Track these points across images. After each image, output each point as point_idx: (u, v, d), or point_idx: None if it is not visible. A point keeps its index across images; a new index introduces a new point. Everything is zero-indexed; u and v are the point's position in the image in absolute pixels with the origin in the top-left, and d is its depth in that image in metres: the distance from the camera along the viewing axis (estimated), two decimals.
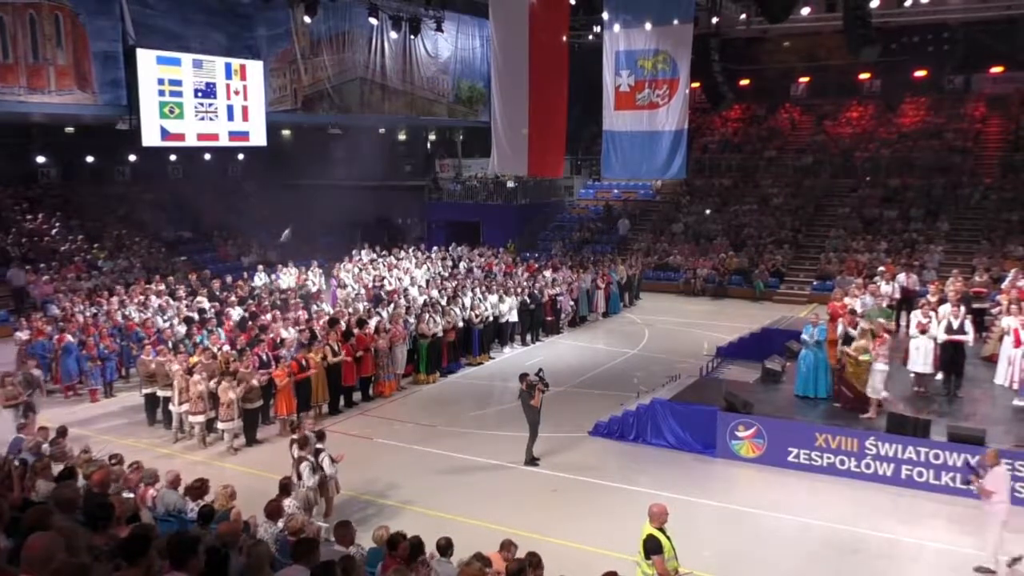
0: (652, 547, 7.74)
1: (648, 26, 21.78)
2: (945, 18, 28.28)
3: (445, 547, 7.81)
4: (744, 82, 38.15)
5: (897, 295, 19.19)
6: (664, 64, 21.74)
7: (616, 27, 22.49)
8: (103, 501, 6.51)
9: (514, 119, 22.91)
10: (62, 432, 11.29)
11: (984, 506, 10.06)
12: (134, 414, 16.37)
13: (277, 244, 32.61)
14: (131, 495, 8.69)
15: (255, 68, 25.80)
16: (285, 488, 9.75)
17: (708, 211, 33.89)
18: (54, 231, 28.08)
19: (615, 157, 23.11)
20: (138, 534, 5.35)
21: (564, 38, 22.97)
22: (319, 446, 11.18)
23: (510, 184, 35.01)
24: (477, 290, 21.85)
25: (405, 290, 22.83)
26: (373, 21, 27.93)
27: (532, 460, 13.69)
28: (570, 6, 23.90)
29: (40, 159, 31.65)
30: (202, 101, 24.44)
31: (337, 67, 28.37)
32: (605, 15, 23.04)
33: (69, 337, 17.74)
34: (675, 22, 21.47)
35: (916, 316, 15.09)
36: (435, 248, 30.51)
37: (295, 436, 11.41)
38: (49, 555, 4.64)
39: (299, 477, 10.69)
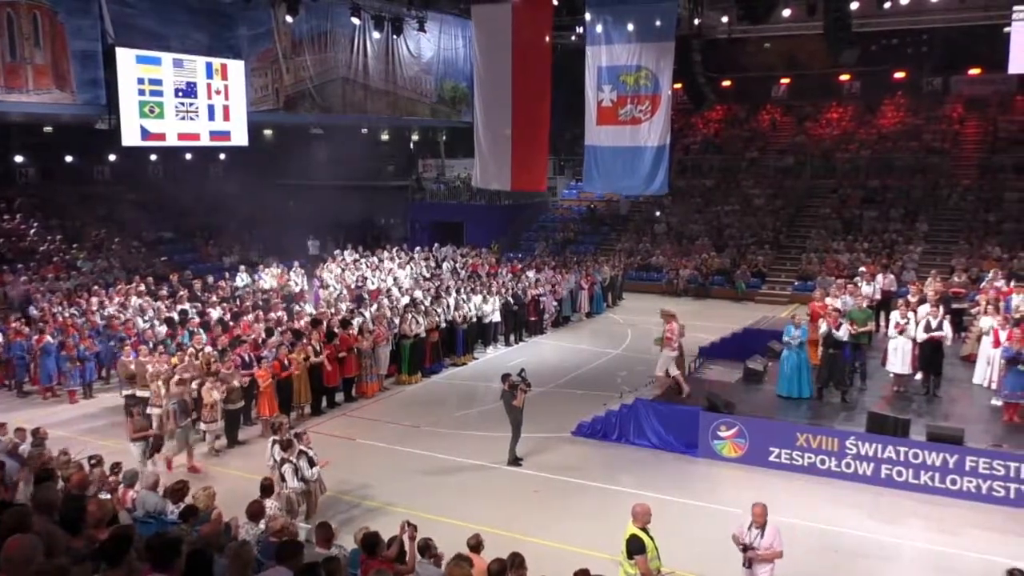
0: (635, 547, 7.76)
1: (630, 43, 21.90)
2: (924, 27, 28.58)
3: (425, 548, 7.80)
4: (726, 83, 38.35)
5: (878, 296, 19.36)
6: (646, 80, 21.84)
7: (598, 43, 22.58)
8: (77, 504, 6.44)
9: (497, 134, 22.98)
10: (39, 433, 11.19)
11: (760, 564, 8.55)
12: (114, 415, 16.24)
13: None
14: (107, 496, 8.60)
15: (236, 68, 25.62)
16: (267, 489, 9.69)
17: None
18: (32, 231, 27.79)
19: (597, 171, 23.20)
20: (118, 535, 5.30)
21: (548, 55, 23.07)
22: (302, 447, 11.12)
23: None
24: (461, 290, 21.84)
25: (388, 290, 22.79)
26: (355, 21, 27.81)
27: (515, 460, 13.71)
28: (553, 20, 23.96)
29: (18, 159, 31.31)
30: (183, 101, 24.24)
31: (319, 67, 28.24)
32: (587, 28, 23.11)
33: (48, 338, 17.57)
34: (657, 39, 21.60)
35: (894, 317, 15.22)
36: (418, 248, 30.46)
37: (277, 438, 11.32)
38: (28, 557, 4.60)
39: (282, 479, 10.64)
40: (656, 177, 22.09)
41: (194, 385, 14.45)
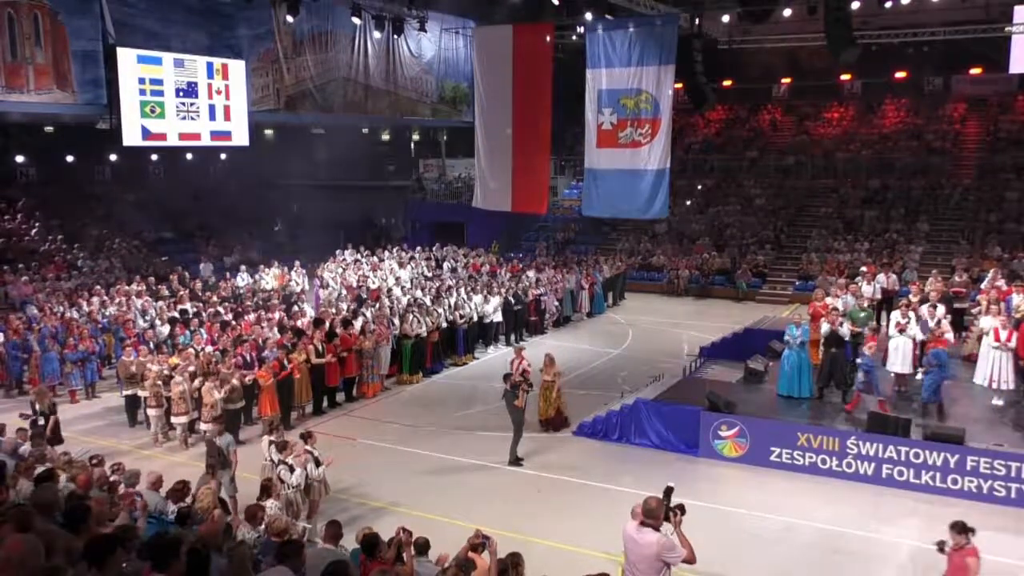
0: None
1: (630, 66, 21.87)
2: (925, 40, 28.60)
3: (423, 547, 7.80)
4: (727, 83, 38.29)
5: (878, 295, 19.35)
6: (647, 104, 21.76)
7: (598, 66, 22.54)
8: (79, 504, 6.43)
9: (498, 156, 22.96)
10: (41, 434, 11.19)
11: None
12: (115, 415, 16.26)
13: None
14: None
15: (237, 68, 25.65)
16: (267, 489, 9.69)
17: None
18: (33, 231, 27.80)
19: (596, 195, 23.13)
20: (102, 536, 5.27)
21: (549, 77, 23.06)
22: (308, 447, 11.07)
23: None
24: (462, 290, 21.84)
25: (389, 290, 22.79)
26: (356, 21, 27.79)
27: (516, 460, 13.71)
28: (555, 40, 23.89)
29: (19, 159, 31.33)
30: (183, 100, 24.26)
31: (320, 67, 28.25)
32: (587, 51, 23.06)
33: (46, 339, 17.56)
34: (657, 63, 21.58)
35: (895, 316, 15.22)
36: (418, 248, 30.46)
37: (272, 439, 11.26)
38: (27, 558, 4.59)
39: (281, 480, 10.61)
40: (656, 201, 22.04)
41: (195, 384, 14.49)
